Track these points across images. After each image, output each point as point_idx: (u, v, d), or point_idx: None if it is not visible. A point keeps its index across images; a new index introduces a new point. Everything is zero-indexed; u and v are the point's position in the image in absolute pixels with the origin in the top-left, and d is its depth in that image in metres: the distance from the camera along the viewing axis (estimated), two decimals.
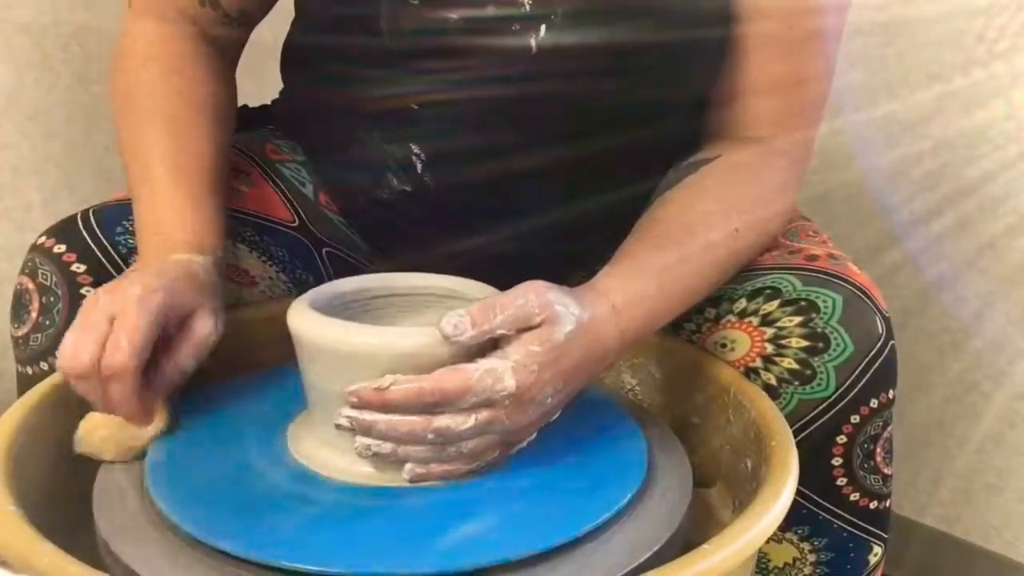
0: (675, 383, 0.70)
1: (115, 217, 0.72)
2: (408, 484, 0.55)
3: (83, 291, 0.69)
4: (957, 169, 1.14)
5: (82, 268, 0.69)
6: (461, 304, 0.63)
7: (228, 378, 0.73)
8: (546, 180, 0.75)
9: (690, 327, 0.70)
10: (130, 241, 0.71)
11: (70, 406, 0.62)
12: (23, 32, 1.08)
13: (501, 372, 0.54)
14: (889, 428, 0.68)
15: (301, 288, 0.79)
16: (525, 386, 0.54)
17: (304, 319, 0.57)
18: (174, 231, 0.67)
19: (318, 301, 0.60)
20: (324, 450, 0.59)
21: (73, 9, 1.11)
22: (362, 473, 0.57)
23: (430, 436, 0.53)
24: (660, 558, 0.52)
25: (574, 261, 0.81)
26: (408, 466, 0.55)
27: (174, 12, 0.76)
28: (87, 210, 0.73)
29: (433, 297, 0.66)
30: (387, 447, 0.54)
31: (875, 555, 0.70)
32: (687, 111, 0.75)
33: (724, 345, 0.68)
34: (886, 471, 0.69)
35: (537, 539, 0.51)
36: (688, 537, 0.56)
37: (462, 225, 0.77)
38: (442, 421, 0.53)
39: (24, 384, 0.71)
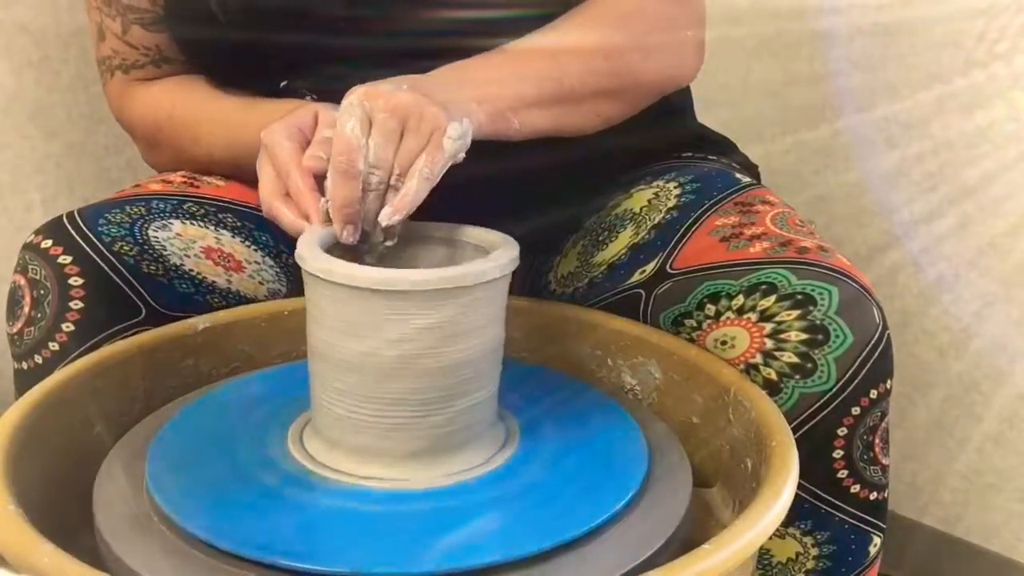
0: (675, 383, 0.70)
1: (97, 212, 0.74)
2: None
3: (71, 281, 0.70)
4: (957, 170, 1.14)
5: (68, 259, 0.70)
6: (462, 248, 0.64)
7: (229, 378, 0.73)
8: (535, 178, 0.76)
9: (690, 324, 0.70)
10: (112, 231, 0.73)
11: (70, 406, 0.62)
12: (23, 32, 1.09)
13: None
14: (886, 419, 0.68)
15: (289, 273, 0.80)
16: (370, 89, 0.62)
17: (318, 258, 0.56)
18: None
19: (325, 243, 0.60)
20: (326, 450, 0.59)
21: (73, 9, 1.11)
22: (364, 473, 0.57)
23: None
24: (660, 558, 0.52)
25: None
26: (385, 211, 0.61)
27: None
28: (71, 211, 0.75)
29: (434, 241, 0.66)
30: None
31: (875, 546, 0.70)
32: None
33: (724, 343, 0.68)
34: (884, 462, 0.69)
35: (537, 539, 0.51)
36: (688, 537, 0.56)
37: (449, 215, 0.78)
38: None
39: (20, 380, 0.71)
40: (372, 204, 0.61)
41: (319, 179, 0.63)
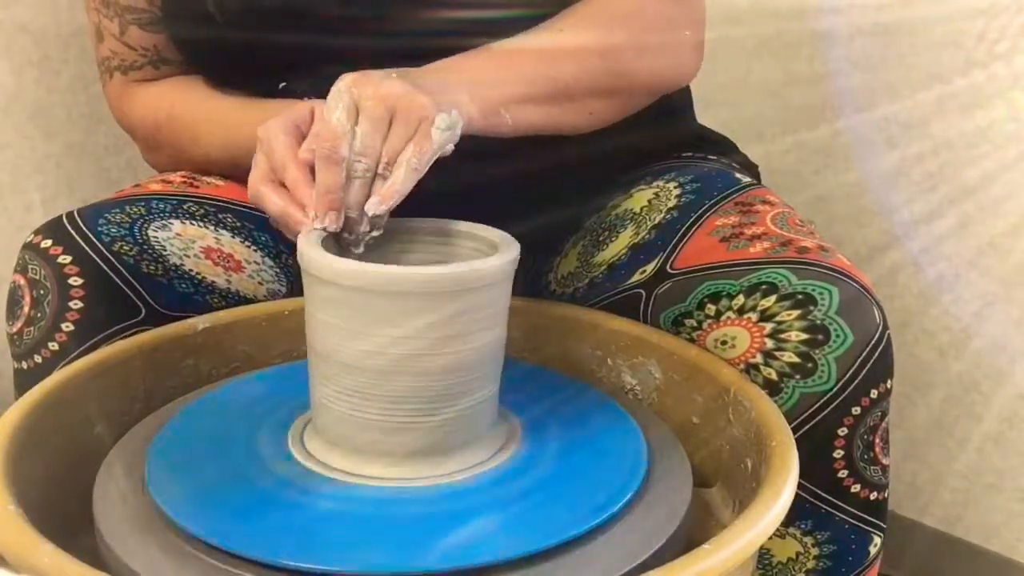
0: (675, 383, 0.70)
1: (97, 212, 0.74)
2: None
3: (71, 281, 0.70)
4: (957, 170, 1.14)
5: (68, 259, 0.70)
6: (458, 244, 0.64)
7: (229, 378, 0.73)
8: (532, 180, 0.76)
9: (691, 324, 0.70)
10: (112, 231, 0.73)
11: (70, 406, 0.62)
12: (23, 32, 1.08)
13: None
14: (887, 419, 0.68)
15: (288, 273, 0.80)
16: (359, 76, 0.62)
17: (320, 257, 0.56)
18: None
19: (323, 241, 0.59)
20: (326, 449, 0.59)
21: (73, 9, 1.11)
22: (364, 473, 0.57)
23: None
24: (660, 558, 0.52)
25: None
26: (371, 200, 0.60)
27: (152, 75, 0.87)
28: (71, 210, 0.75)
29: (428, 237, 0.66)
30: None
31: (875, 546, 0.70)
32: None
33: (725, 342, 0.68)
34: (885, 462, 0.69)
35: (537, 539, 0.51)
36: (688, 537, 0.56)
37: (450, 215, 0.78)
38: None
39: (20, 380, 0.71)
40: (357, 192, 0.61)
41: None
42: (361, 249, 0.62)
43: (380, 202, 0.60)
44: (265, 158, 0.64)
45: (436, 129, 0.61)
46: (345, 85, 0.62)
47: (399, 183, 0.60)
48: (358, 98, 0.61)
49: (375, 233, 0.62)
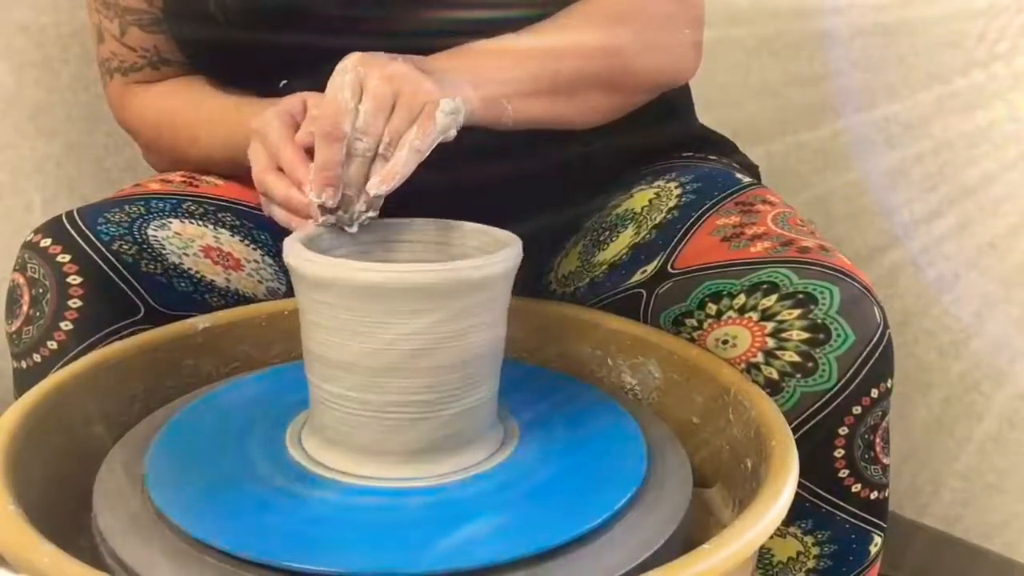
0: (675, 383, 0.70)
1: (97, 212, 0.74)
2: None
3: (70, 280, 0.70)
4: (957, 170, 1.14)
5: (67, 258, 0.71)
6: (457, 244, 0.64)
7: (229, 378, 0.73)
8: (534, 179, 0.76)
9: (691, 323, 0.70)
10: (111, 230, 0.73)
11: (70, 406, 0.62)
12: (23, 32, 1.09)
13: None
14: (887, 418, 0.68)
15: (288, 272, 0.80)
16: (365, 56, 0.62)
17: (313, 259, 0.56)
18: None
19: (312, 244, 0.59)
20: (324, 450, 0.59)
21: (73, 9, 1.11)
22: (362, 473, 0.57)
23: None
24: (660, 558, 0.52)
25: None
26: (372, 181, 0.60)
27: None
28: (71, 210, 0.75)
29: (427, 237, 0.66)
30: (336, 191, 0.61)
31: (875, 545, 0.70)
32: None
33: (726, 342, 0.68)
34: (885, 461, 0.69)
35: (537, 539, 0.51)
36: (688, 537, 0.56)
37: (451, 215, 0.78)
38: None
39: (19, 379, 0.71)
40: (356, 171, 0.61)
41: (313, 155, 0.63)
42: (355, 228, 0.62)
43: (381, 183, 0.60)
44: (263, 147, 0.64)
45: (440, 112, 0.61)
46: (351, 63, 0.62)
47: (401, 164, 0.60)
48: (364, 76, 0.61)
49: (371, 214, 0.62)
